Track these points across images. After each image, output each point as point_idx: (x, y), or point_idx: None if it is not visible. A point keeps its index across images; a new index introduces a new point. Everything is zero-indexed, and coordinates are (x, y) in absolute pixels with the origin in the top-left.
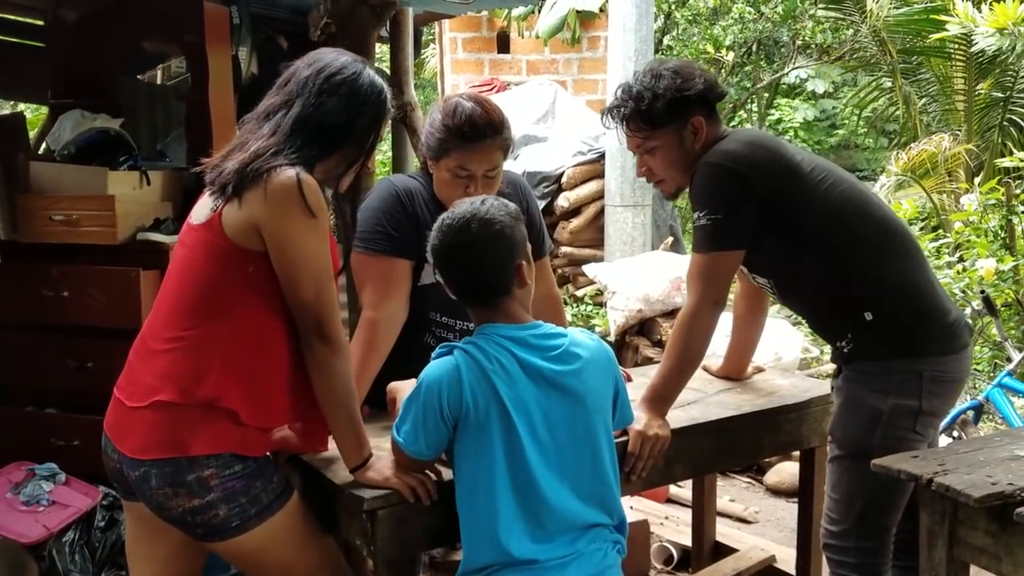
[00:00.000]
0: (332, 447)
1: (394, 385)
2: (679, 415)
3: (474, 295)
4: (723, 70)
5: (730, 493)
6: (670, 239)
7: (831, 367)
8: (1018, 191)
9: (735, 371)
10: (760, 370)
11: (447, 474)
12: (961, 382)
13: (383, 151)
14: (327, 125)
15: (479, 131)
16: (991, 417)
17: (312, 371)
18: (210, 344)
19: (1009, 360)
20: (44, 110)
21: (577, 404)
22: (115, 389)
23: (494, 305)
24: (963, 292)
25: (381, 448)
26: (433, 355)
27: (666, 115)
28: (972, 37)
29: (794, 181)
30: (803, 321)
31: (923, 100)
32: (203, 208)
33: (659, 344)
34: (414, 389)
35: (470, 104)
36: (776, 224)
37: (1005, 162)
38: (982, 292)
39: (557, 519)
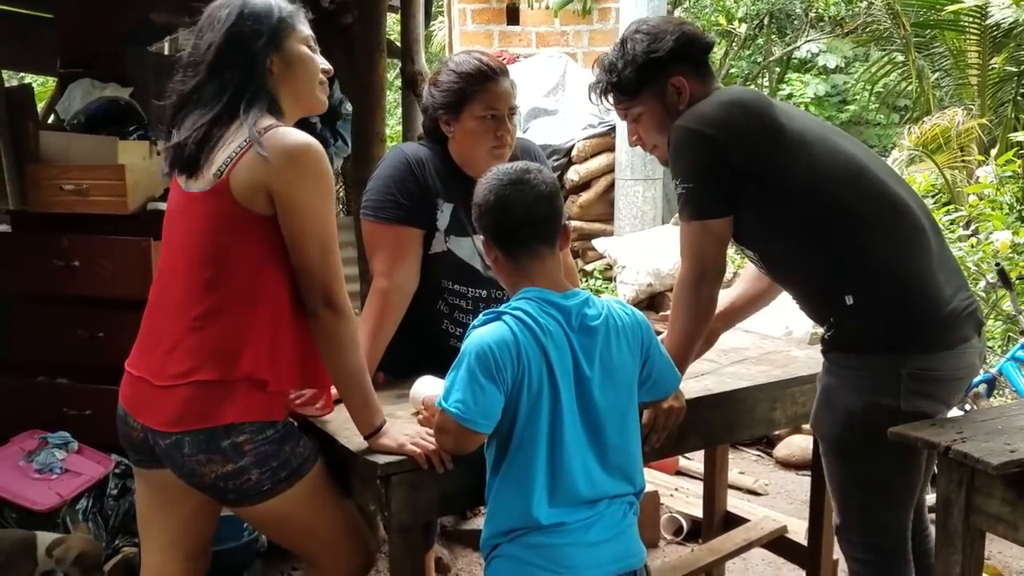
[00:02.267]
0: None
1: (423, 388)
2: (693, 386)
3: (525, 242)
4: (735, 43)
5: (740, 466)
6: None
7: None
8: None
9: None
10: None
11: None
12: (960, 380)
13: (391, 125)
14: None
15: (495, 70)
16: (1003, 391)
17: (320, 341)
18: (240, 317)
19: (1023, 333)
20: (51, 83)
21: (610, 377)
22: (128, 366)
23: (540, 259)
24: (977, 265)
25: (395, 416)
26: (476, 322)
27: (639, 81)
28: (987, 9)
29: (775, 144)
30: None
31: (936, 74)
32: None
33: None
34: (460, 356)
35: (472, 53)
36: (756, 190)
37: (1019, 136)
38: (997, 265)
39: (584, 490)
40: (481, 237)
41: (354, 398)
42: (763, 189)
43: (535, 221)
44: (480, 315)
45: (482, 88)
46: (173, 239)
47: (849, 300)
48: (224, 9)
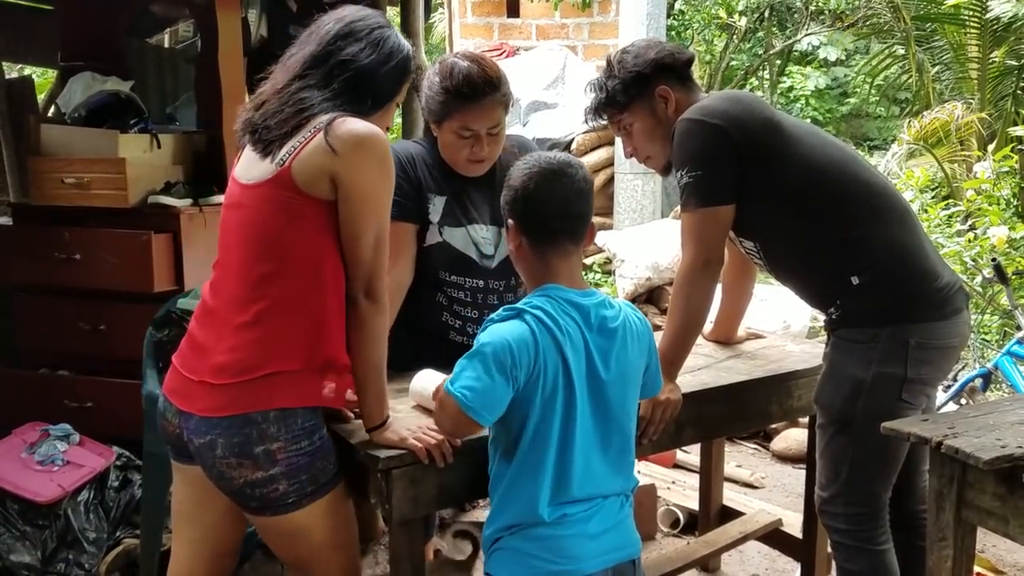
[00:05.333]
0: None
1: (424, 382)
2: (690, 380)
3: (555, 236)
4: (735, 36)
5: (737, 459)
6: (679, 207)
7: None
8: None
9: (723, 336)
10: (757, 336)
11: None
12: (954, 348)
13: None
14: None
15: (478, 89)
16: (999, 386)
17: (354, 328)
18: (310, 306)
19: (1019, 328)
20: (51, 75)
21: (623, 379)
22: (179, 366)
23: (566, 255)
24: (974, 260)
25: (395, 410)
26: (495, 316)
27: (626, 93)
28: (987, 3)
29: (774, 136)
30: None
31: (936, 68)
32: (257, 165)
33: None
34: (476, 347)
35: (466, 63)
36: (758, 181)
37: (1018, 131)
38: (993, 260)
39: (587, 487)
40: (477, 226)
41: (371, 390)
42: (766, 176)
43: (569, 216)
44: (500, 309)
45: (460, 108)
46: (229, 235)
47: (855, 280)
48: (386, 31)
